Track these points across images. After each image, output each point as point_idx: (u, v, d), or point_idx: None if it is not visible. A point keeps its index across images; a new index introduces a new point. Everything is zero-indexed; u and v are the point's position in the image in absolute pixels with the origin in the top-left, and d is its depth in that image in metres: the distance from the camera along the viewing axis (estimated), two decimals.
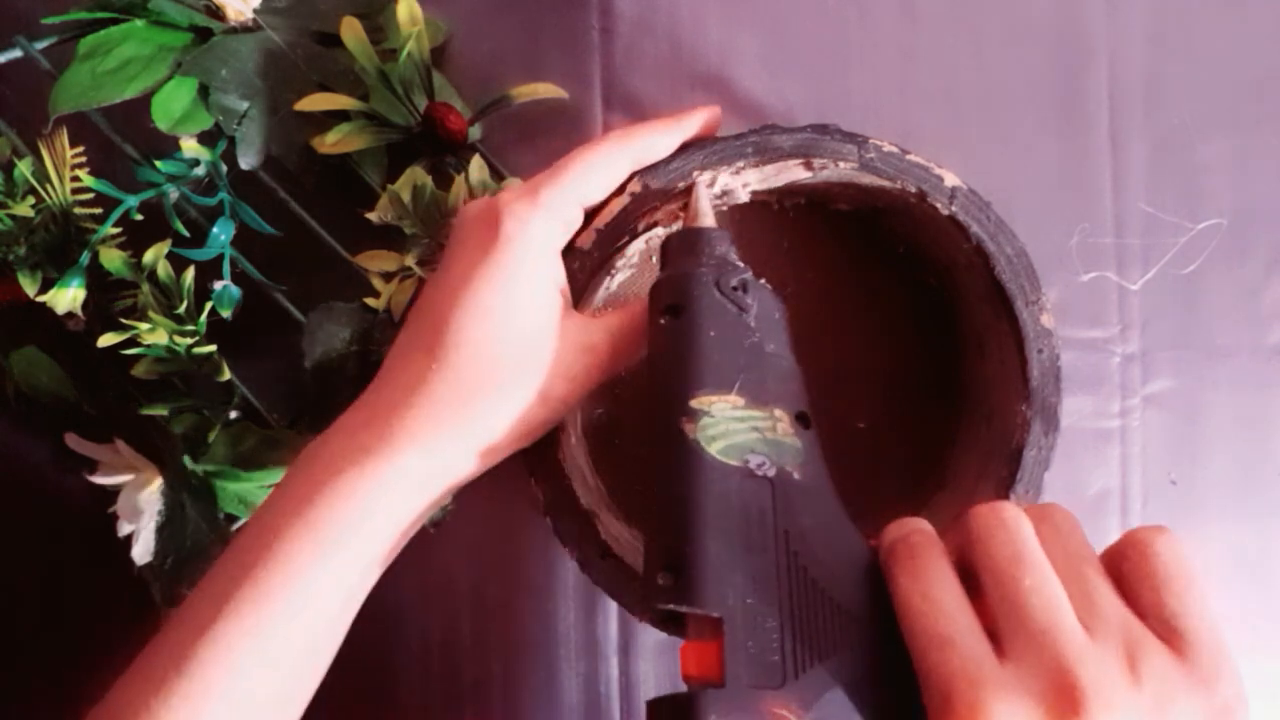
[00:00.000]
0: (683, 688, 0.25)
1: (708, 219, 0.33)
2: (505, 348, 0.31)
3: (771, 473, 0.27)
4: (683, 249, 0.32)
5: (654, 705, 0.26)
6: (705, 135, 0.35)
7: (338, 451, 0.30)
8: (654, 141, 0.34)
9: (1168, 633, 0.23)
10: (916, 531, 0.26)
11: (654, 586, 0.26)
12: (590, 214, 0.36)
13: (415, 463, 0.30)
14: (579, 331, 0.32)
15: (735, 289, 0.30)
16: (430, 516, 0.32)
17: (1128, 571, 0.24)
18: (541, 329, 0.31)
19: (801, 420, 0.29)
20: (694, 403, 0.28)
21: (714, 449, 0.27)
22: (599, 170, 0.33)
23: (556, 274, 0.33)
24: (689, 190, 0.35)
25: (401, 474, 0.30)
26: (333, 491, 0.29)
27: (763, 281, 0.31)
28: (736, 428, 0.28)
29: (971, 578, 0.25)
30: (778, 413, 0.29)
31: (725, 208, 0.40)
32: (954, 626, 0.23)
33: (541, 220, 0.32)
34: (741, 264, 0.32)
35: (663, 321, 0.30)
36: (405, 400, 0.30)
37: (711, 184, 0.36)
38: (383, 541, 0.30)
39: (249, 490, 0.41)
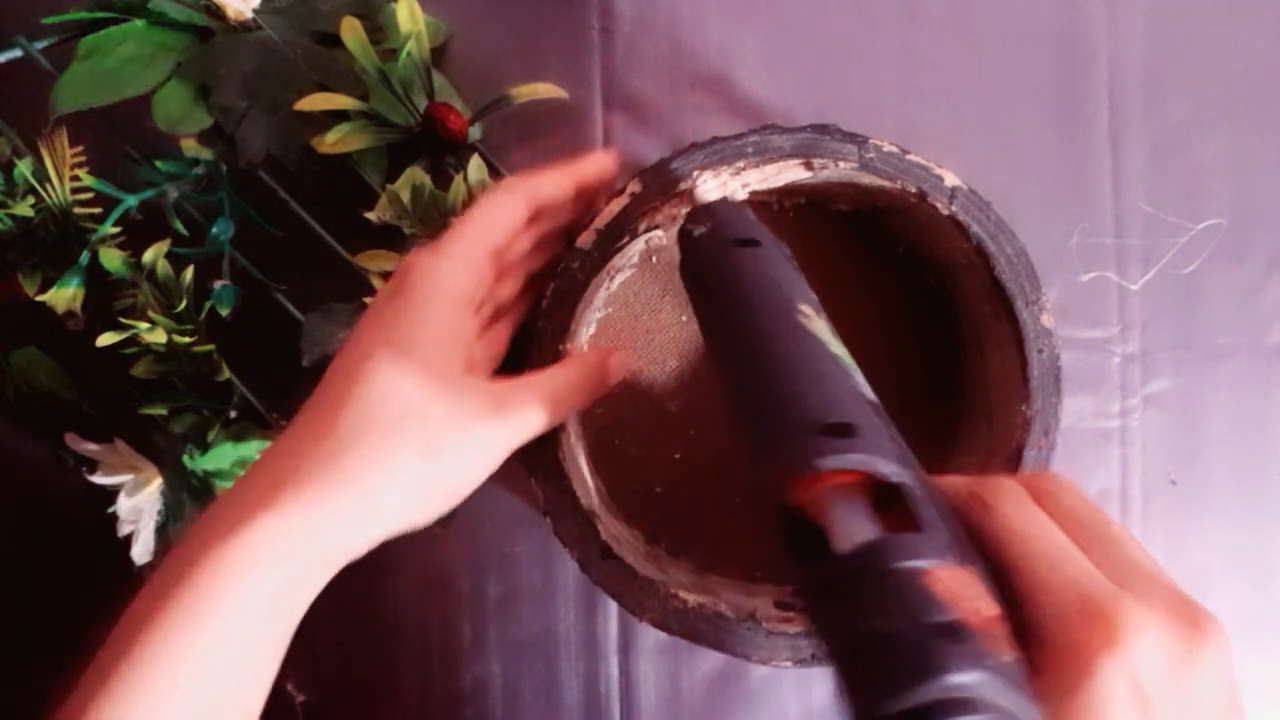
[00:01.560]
0: None
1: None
2: (389, 400, 0.29)
3: (870, 396, 0.27)
4: (724, 209, 0.32)
5: (818, 563, 0.23)
6: (600, 179, 0.36)
7: (207, 524, 0.29)
8: (547, 180, 0.34)
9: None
10: (1000, 478, 0.27)
11: (818, 439, 0.24)
12: (590, 214, 0.36)
13: (276, 533, 0.28)
14: (484, 387, 0.31)
15: (777, 240, 0.32)
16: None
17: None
18: (435, 380, 0.30)
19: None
20: (802, 307, 0.29)
21: (833, 349, 0.28)
22: (497, 215, 0.33)
23: (462, 325, 0.32)
24: (689, 193, 0.35)
25: (255, 547, 0.27)
26: (187, 575, 0.27)
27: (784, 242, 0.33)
28: (829, 337, 0.28)
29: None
30: (838, 341, 0.29)
31: None
32: (1069, 549, 0.24)
33: (446, 270, 0.31)
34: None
35: (737, 248, 0.30)
36: (284, 465, 0.29)
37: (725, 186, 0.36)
38: (246, 623, 0.28)
39: None
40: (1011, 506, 0.25)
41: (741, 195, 0.38)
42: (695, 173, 0.35)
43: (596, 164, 0.36)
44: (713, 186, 0.36)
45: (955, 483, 0.27)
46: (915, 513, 0.23)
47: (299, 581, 0.29)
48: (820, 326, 0.28)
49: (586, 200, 0.36)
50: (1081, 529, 0.25)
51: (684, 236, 0.32)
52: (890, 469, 0.23)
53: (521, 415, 0.31)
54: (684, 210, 0.36)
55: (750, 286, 0.30)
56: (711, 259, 0.31)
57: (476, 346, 0.33)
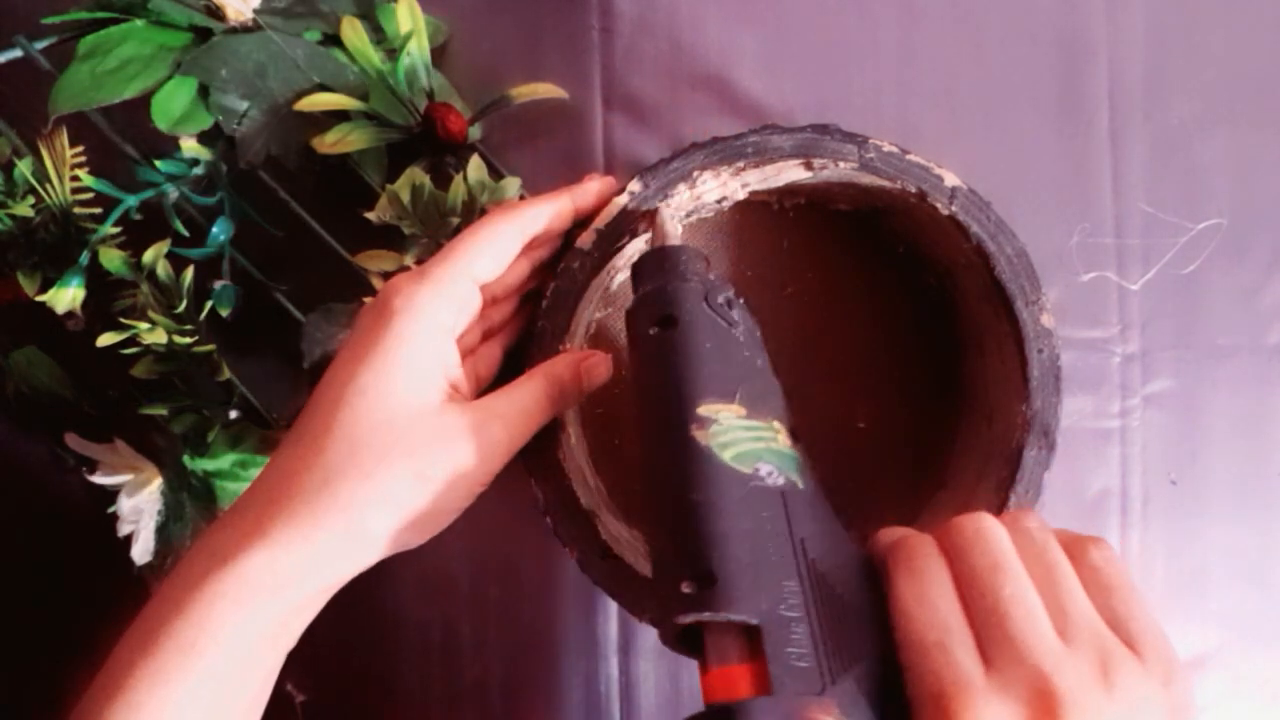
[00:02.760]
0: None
1: (676, 239, 0.33)
2: (375, 427, 0.29)
3: (781, 482, 0.27)
4: (662, 266, 0.32)
5: None
6: (600, 204, 0.35)
7: (200, 555, 0.29)
8: (541, 212, 0.34)
9: (1124, 636, 0.24)
10: (913, 535, 0.27)
11: (678, 596, 0.25)
12: (590, 214, 0.36)
13: (264, 567, 0.28)
14: (467, 411, 0.31)
15: (722, 304, 0.30)
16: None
17: (1079, 577, 0.25)
18: (418, 407, 0.30)
19: (793, 434, 0.30)
20: (701, 410, 0.28)
21: (727, 455, 0.27)
22: (488, 245, 0.32)
23: (443, 352, 0.31)
24: (652, 215, 0.35)
25: (243, 583, 0.28)
26: (176, 610, 0.28)
27: (742, 300, 0.31)
28: (744, 436, 0.28)
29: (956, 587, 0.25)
30: (775, 424, 0.29)
31: (726, 207, 0.39)
32: (947, 631, 0.24)
33: (428, 295, 0.31)
34: (722, 281, 0.32)
35: (653, 332, 0.30)
36: (273, 495, 0.29)
37: (678, 204, 0.35)
38: (234, 659, 0.28)
39: None
40: (904, 579, 0.26)
41: (741, 195, 0.38)
42: (697, 174, 0.35)
43: (595, 189, 0.36)
44: (715, 187, 0.36)
45: (875, 545, 0.28)
46: (765, 671, 0.24)
47: (290, 613, 0.29)
48: (719, 428, 0.27)
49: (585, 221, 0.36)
50: (976, 595, 0.25)
51: (629, 309, 0.32)
52: (747, 612, 0.24)
53: (500, 435, 0.31)
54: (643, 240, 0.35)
55: (651, 390, 0.30)
56: (631, 342, 0.31)
57: (460, 370, 0.33)
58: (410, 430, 0.30)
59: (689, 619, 0.25)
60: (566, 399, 0.34)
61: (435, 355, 0.31)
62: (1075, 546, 0.26)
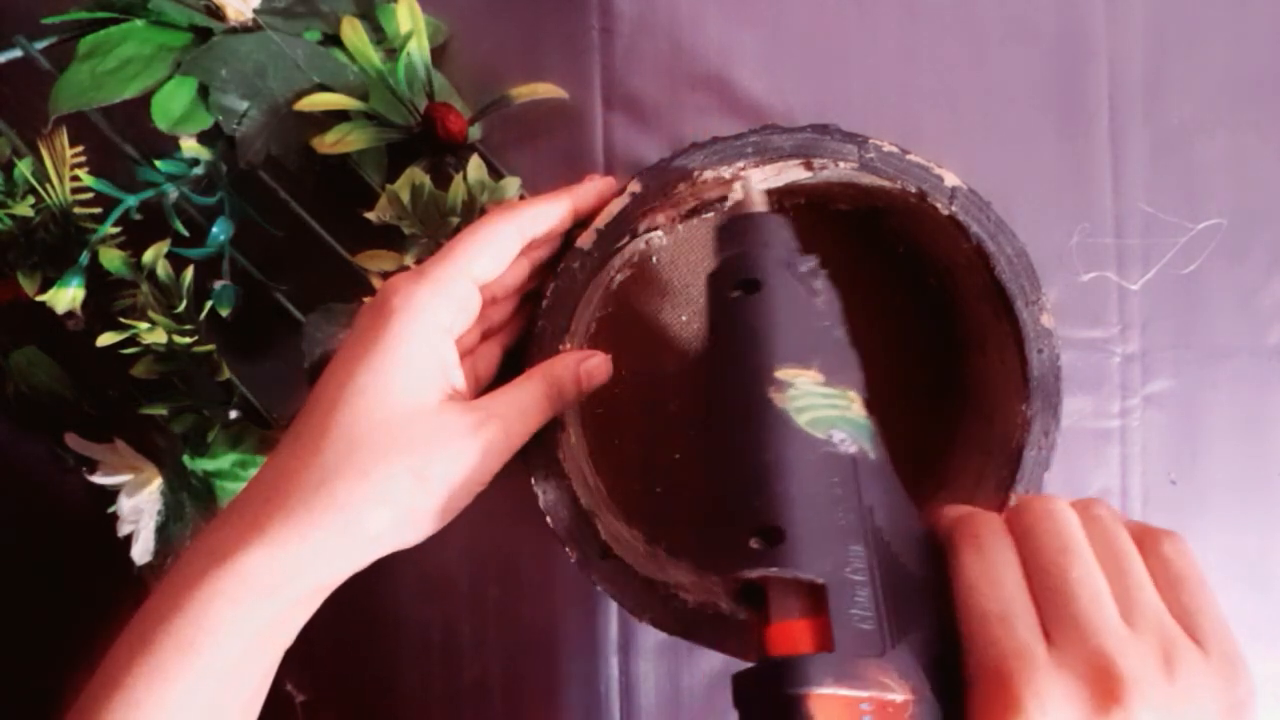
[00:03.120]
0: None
1: (764, 206, 0.33)
2: (373, 426, 0.29)
3: (853, 450, 0.27)
4: (748, 231, 0.32)
5: (748, 677, 0.25)
6: (599, 205, 0.35)
7: (198, 553, 0.29)
8: (541, 213, 0.34)
9: (1190, 629, 0.24)
10: (981, 512, 0.27)
11: (744, 552, 0.25)
12: (590, 214, 0.36)
13: (261, 566, 0.28)
14: (466, 411, 0.31)
15: (806, 274, 0.31)
16: None
17: (1149, 569, 0.25)
18: (416, 406, 0.30)
19: (867, 406, 0.30)
20: (779, 374, 0.28)
21: (802, 420, 0.27)
22: (487, 246, 0.32)
23: (442, 352, 0.31)
24: (729, 182, 0.35)
25: (242, 581, 0.28)
26: (174, 608, 0.28)
27: (825, 271, 0.31)
28: (819, 402, 0.28)
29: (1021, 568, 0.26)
30: (851, 394, 0.29)
31: (726, 207, 0.39)
32: (1012, 606, 0.24)
33: (427, 295, 0.31)
34: (805, 252, 0.32)
35: (735, 295, 0.30)
36: (270, 494, 0.29)
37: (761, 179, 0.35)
38: (232, 657, 0.28)
39: None
40: (970, 553, 0.26)
41: (741, 195, 0.38)
42: (697, 174, 0.35)
43: (595, 189, 0.35)
44: (762, 178, 0.36)
45: (940, 520, 0.28)
46: (828, 628, 0.24)
47: (288, 611, 0.29)
48: (795, 392, 0.28)
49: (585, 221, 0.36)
50: (1042, 575, 0.25)
51: (713, 272, 0.32)
52: (814, 572, 0.25)
53: (499, 435, 0.31)
54: (732, 194, 0.35)
55: (729, 350, 0.30)
56: (712, 304, 0.32)
57: (459, 371, 0.33)
58: (408, 429, 0.30)
59: (756, 573, 0.25)
60: (566, 399, 0.34)
61: (434, 355, 0.31)
62: (1148, 538, 0.26)
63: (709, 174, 0.35)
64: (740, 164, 0.35)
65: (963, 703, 0.24)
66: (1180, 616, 0.24)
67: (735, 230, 0.32)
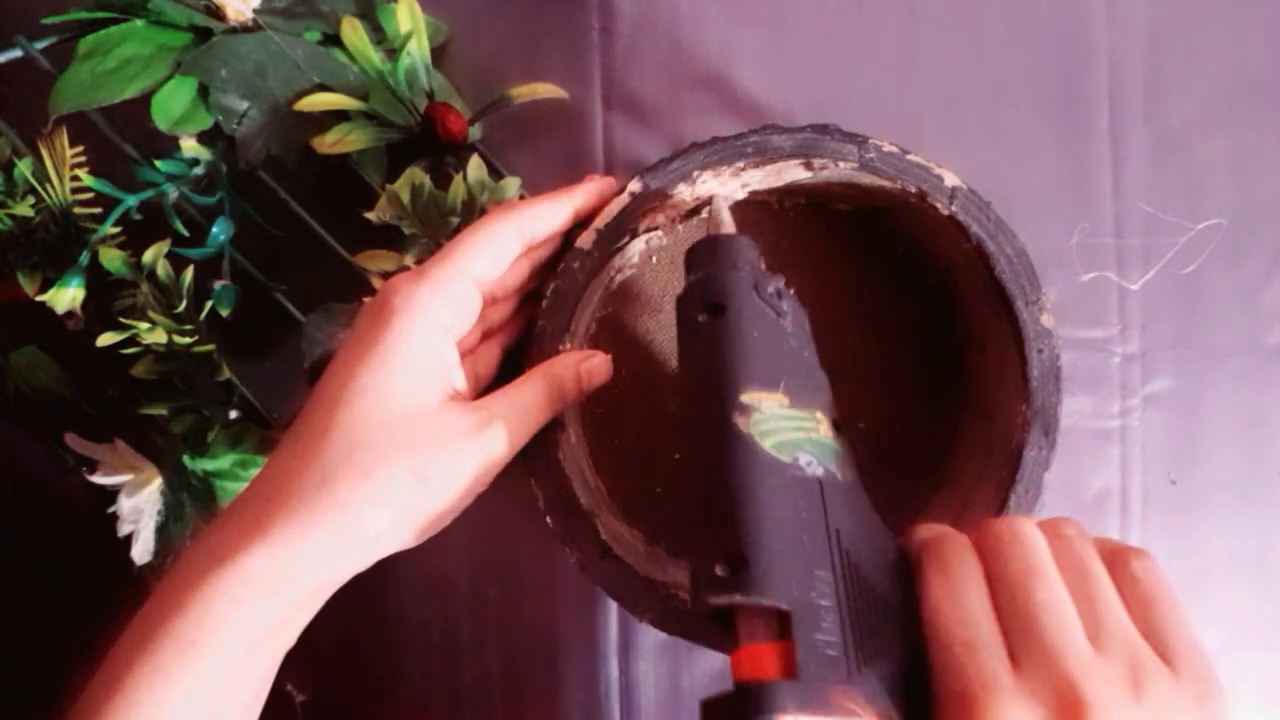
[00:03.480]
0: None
1: (731, 228, 0.33)
2: (374, 427, 0.29)
3: (819, 472, 0.27)
4: (714, 254, 0.32)
5: (714, 704, 0.25)
6: (600, 205, 0.35)
7: (199, 554, 0.29)
8: (541, 213, 0.34)
9: (1160, 649, 0.24)
10: (949, 533, 0.27)
11: (711, 579, 0.25)
12: (590, 214, 0.36)
13: (263, 565, 0.28)
14: (466, 412, 0.31)
15: (772, 295, 0.31)
16: None
17: (1118, 588, 0.25)
18: (417, 407, 0.30)
19: (835, 426, 0.30)
20: (744, 398, 0.28)
21: (767, 444, 0.27)
22: (488, 246, 0.32)
23: (442, 352, 0.31)
24: (705, 203, 0.35)
25: (243, 581, 0.28)
26: (175, 608, 0.28)
27: (792, 291, 0.31)
28: (785, 425, 0.28)
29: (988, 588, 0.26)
30: (818, 415, 0.29)
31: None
32: (977, 631, 0.24)
33: (427, 295, 0.31)
34: (773, 272, 0.32)
35: (702, 319, 0.30)
36: (271, 494, 0.29)
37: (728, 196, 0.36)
38: (233, 657, 0.28)
39: None
40: (936, 576, 0.26)
41: (741, 195, 0.38)
42: (696, 172, 0.35)
43: (595, 189, 0.36)
44: (715, 187, 0.36)
45: (909, 542, 0.28)
46: (793, 654, 0.24)
47: (290, 612, 0.29)
48: (760, 416, 0.28)
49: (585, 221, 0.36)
50: (1008, 597, 0.25)
51: (680, 295, 0.32)
52: (778, 598, 0.25)
53: (500, 436, 0.31)
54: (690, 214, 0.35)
55: (697, 375, 0.30)
56: (680, 328, 0.32)
57: (459, 371, 0.33)
58: (409, 430, 0.30)
59: (721, 600, 0.25)
60: (566, 399, 0.34)
61: (435, 355, 0.31)
62: (1117, 557, 0.26)
63: (683, 192, 0.35)
64: (740, 163, 0.35)
65: None
66: (1149, 636, 0.24)
67: (701, 253, 0.32)
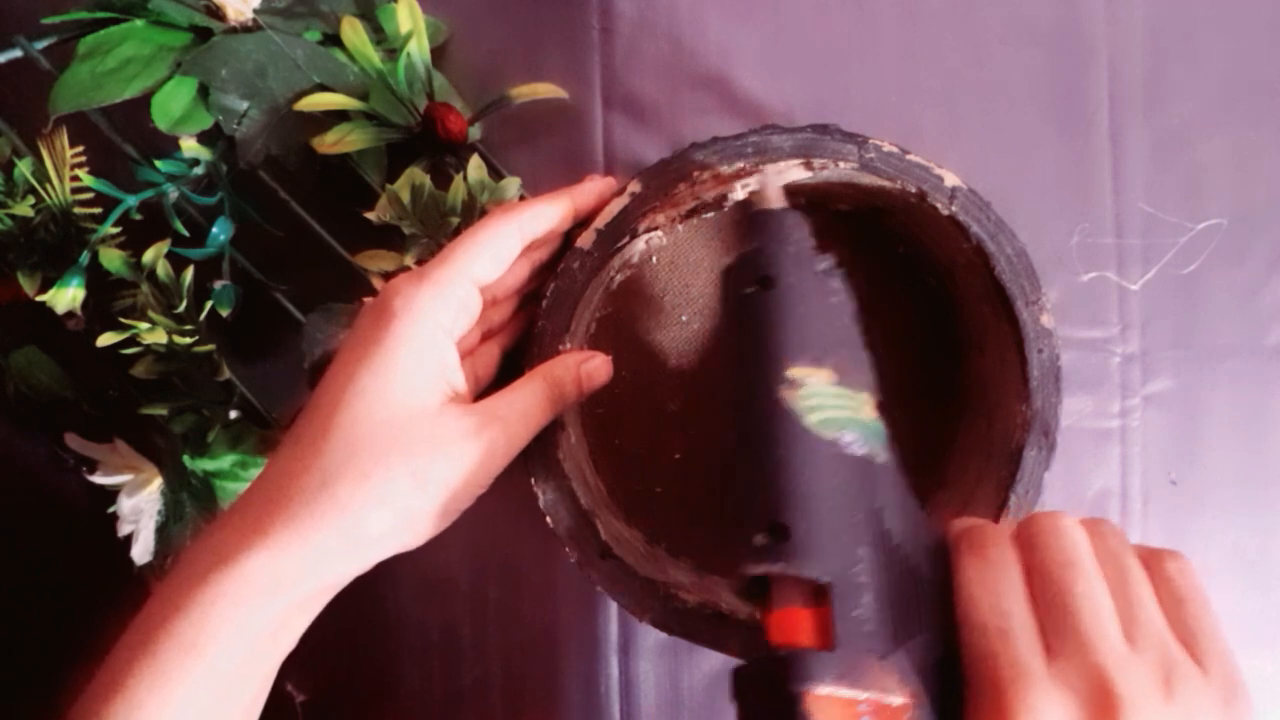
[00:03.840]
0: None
1: (781, 202, 0.33)
2: (374, 429, 0.29)
3: (861, 451, 0.27)
4: (766, 228, 0.31)
5: (749, 673, 0.25)
6: (599, 205, 0.35)
7: (200, 555, 0.29)
8: (541, 213, 0.34)
9: (1192, 649, 0.24)
10: (988, 524, 0.27)
11: (749, 548, 0.26)
12: (590, 215, 0.36)
13: (264, 567, 0.28)
14: (466, 414, 0.31)
15: (822, 272, 0.30)
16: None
17: (1153, 587, 0.25)
18: (417, 409, 0.30)
19: (880, 407, 0.30)
20: (791, 372, 0.28)
21: (813, 419, 0.27)
22: (488, 247, 0.32)
23: (442, 354, 0.31)
24: (732, 178, 0.34)
25: (245, 582, 0.28)
26: (176, 609, 0.28)
27: (842, 270, 0.31)
28: (831, 403, 0.28)
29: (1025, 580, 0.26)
30: (864, 395, 0.29)
31: (726, 207, 0.39)
32: (1012, 620, 0.24)
33: (427, 296, 0.31)
34: (823, 250, 0.32)
35: (750, 291, 0.30)
36: (273, 496, 0.29)
37: (780, 172, 0.35)
38: (234, 658, 0.28)
39: None
40: (974, 564, 0.26)
41: (741, 195, 0.38)
42: (697, 174, 0.35)
43: (594, 189, 0.36)
44: (779, 172, 0.36)
45: (950, 530, 0.28)
46: (830, 625, 0.24)
47: (291, 613, 0.29)
48: (807, 391, 0.28)
49: (585, 221, 0.36)
50: (1045, 587, 0.25)
51: (727, 267, 0.32)
52: (819, 571, 0.25)
53: (500, 438, 0.31)
54: (749, 185, 0.34)
55: (741, 346, 0.30)
56: (726, 299, 0.32)
57: (460, 373, 0.32)
58: (409, 432, 0.30)
59: (760, 569, 0.25)
60: (566, 401, 0.34)
61: (435, 357, 0.31)
62: (1153, 558, 0.26)
63: (724, 167, 0.34)
64: (741, 164, 0.35)
65: (962, 710, 0.24)
66: (1182, 636, 0.24)
67: (752, 226, 0.32)
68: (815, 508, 0.26)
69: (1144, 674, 0.23)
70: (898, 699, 0.24)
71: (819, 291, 0.30)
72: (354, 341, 0.31)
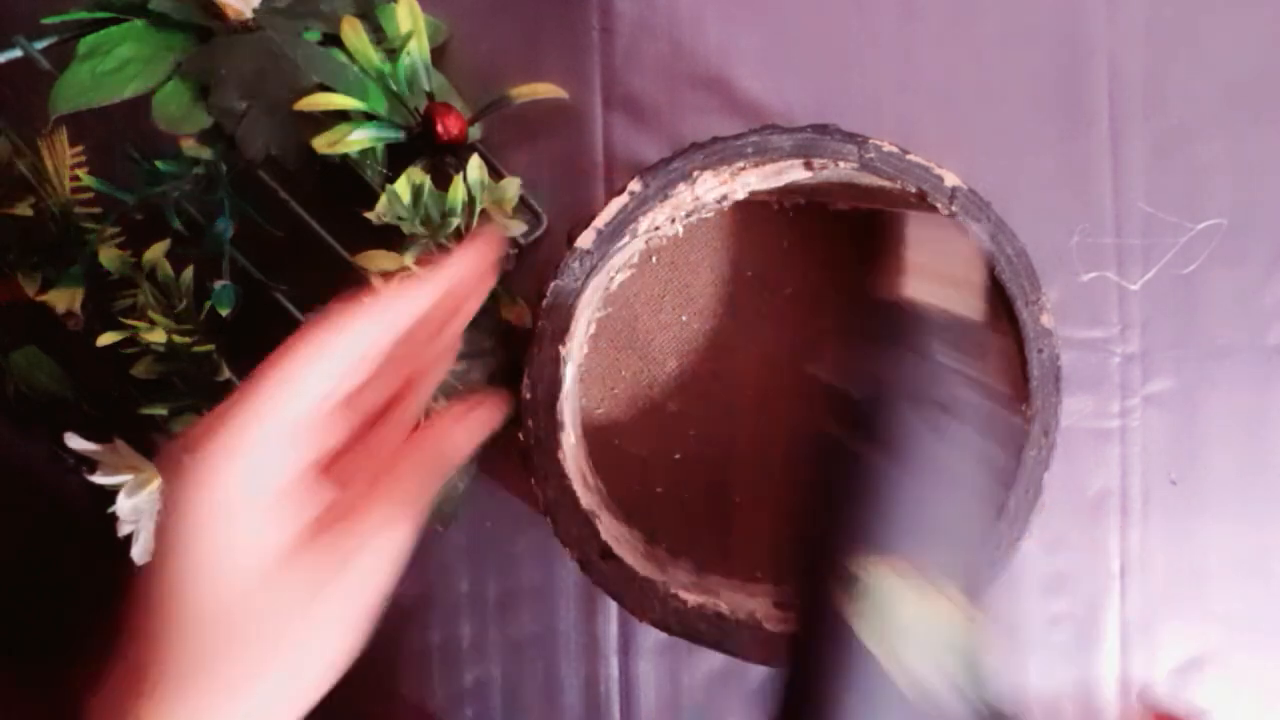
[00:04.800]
0: None
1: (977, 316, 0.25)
2: (218, 631, 0.25)
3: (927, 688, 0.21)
4: (889, 327, 0.24)
5: None
6: (480, 277, 0.29)
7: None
8: (386, 314, 0.28)
9: None
10: None
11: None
12: (589, 214, 0.36)
13: None
14: (316, 565, 0.26)
15: (937, 405, 0.23)
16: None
17: None
18: (253, 584, 0.25)
19: (971, 611, 0.22)
20: (859, 567, 0.21)
21: (870, 637, 0.21)
22: (300, 383, 0.26)
23: (268, 513, 0.26)
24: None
25: None
26: None
27: (978, 395, 0.24)
28: (916, 625, 0.21)
29: None
30: (949, 594, 0.21)
31: (726, 207, 0.39)
32: None
33: (224, 464, 0.25)
34: (957, 364, 0.24)
35: (842, 434, 0.23)
36: (142, 690, 0.25)
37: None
38: None
39: None
40: None
41: (741, 195, 0.38)
42: (697, 174, 0.35)
43: (468, 260, 0.29)
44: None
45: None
46: None
47: None
48: (863, 589, 0.21)
49: (461, 300, 0.30)
50: None
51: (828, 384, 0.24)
52: None
53: (366, 569, 0.27)
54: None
55: (815, 511, 0.24)
56: (819, 430, 0.25)
57: (305, 504, 0.27)
58: (258, 625, 0.26)
59: None
60: (452, 466, 0.29)
61: (257, 523, 0.26)
62: None
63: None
64: (740, 163, 0.35)
65: None
66: None
67: (884, 329, 0.24)
68: None
69: None
70: None
71: (923, 438, 0.23)
72: (164, 532, 0.26)
